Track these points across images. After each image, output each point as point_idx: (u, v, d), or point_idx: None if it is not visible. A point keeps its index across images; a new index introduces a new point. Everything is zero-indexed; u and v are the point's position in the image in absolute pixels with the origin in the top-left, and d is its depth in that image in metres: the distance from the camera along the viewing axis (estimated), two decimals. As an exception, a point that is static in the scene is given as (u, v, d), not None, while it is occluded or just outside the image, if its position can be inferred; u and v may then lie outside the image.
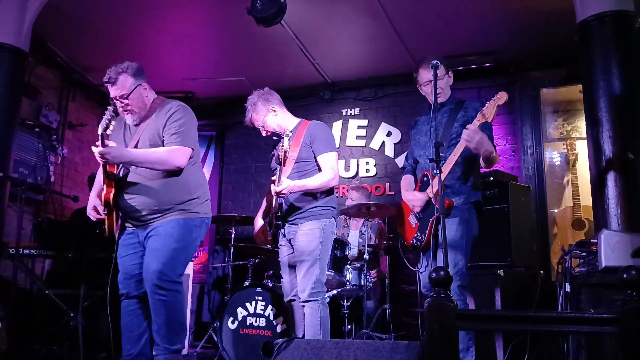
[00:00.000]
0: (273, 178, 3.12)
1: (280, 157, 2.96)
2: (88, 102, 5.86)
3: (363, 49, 5.03)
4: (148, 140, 2.83)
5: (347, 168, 5.65)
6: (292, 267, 3.15)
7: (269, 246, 3.32)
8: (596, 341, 2.49)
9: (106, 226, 2.81)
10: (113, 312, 2.80)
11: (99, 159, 2.65)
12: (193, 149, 2.86)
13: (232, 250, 4.78)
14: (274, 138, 3.32)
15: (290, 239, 3.11)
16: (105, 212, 2.79)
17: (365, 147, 5.66)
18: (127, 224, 2.92)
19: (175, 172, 2.83)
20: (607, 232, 2.47)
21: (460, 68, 5.04)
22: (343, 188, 5.53)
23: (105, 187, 2.76)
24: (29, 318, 4.08)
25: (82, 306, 3.66)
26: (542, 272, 3.88)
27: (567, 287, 2.64)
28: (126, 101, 2.83)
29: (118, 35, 4.75)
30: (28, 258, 4.22)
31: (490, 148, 2.77)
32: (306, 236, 3.03)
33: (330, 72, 5.51)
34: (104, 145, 2.64)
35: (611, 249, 2.41)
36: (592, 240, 2.64)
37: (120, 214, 2.88)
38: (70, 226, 3.91)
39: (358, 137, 5.69)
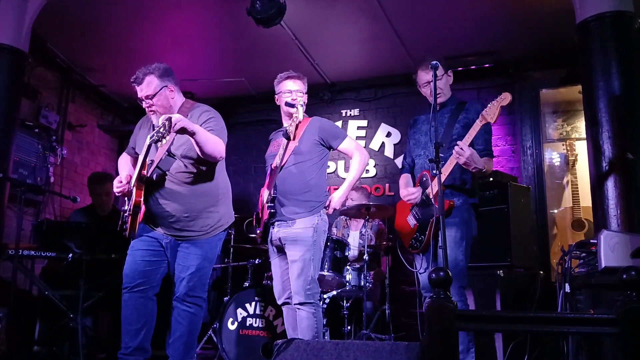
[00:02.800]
0: (274, 165, 3.02)
1: (288, 130, 2.85)
2: (87, 102, 5.86)
3: (362, 50, 5.03)
4: (182, 144, 2.83)
5: (346, 169, 5.65)
6: (284, 268, 3.08)
7: (259, 240, 3.21)
8: (596, 342, 2.49)
9: (128, 227, 2.85)
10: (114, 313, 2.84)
11: (176, 125, 2.52)
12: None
13: (231, 251, 4.78)
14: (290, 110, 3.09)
15: (280, 238, 3.01)
16: (131, 213, 2.80)
17: (364, 147, 5.65)
18: (150, 226, 2.95)
19: (207, 177, 2.89)
20: (606, 232, 2.46)
21: (460, 68, 5.04)
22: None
23: (135, 189, 2.79)
24: (29, 319, 4.07)
25: (81, 307, 3.65)
26: (541, 272, 3.88)
27: (567, 288, 2.64)
28: (151, 101, 2.85)
29: (118, 35, 4.75)
30: (28, 259, 4.21)
31: (479, 165, 2.75)
32: (298, 236, 2.94)
33: (330, 72, 5.51)
34: (146, 154, 2.72)
35: (611, 250, 2.40)
36: (591, 241, 2.64)
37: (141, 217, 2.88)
38: (70, 227, 3.90)
39: (358, 137, 5.68)
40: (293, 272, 2.94)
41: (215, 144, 2.74)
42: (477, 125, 2.78)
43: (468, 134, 2.80)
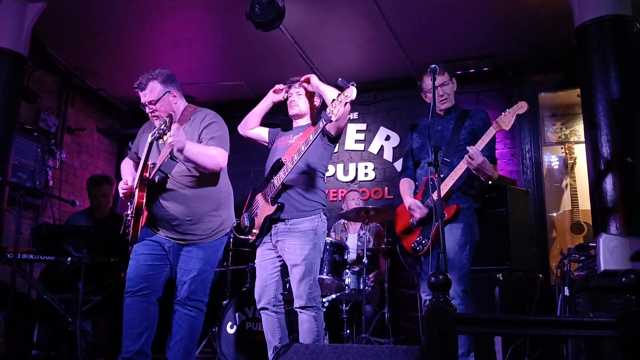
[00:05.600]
0: (288, 164, 2.87)
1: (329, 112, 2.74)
2: (87, 106, 5.86)
3: (361, 53, 5.04)
4: None
5: (346, 172, 5.65)
6: (269, 273, 2.98)
7: (249, 238, 3.06)
8: (595, 345, 2.49)
9: (131, 229, 2.85)
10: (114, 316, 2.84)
11: (171, 143, 2.52)
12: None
13: (230, 255, 4.78)
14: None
15: (277, 241, 2.94)
16: (134, 216, 2.80)
17: (364, 151, 5.67)
18: (152, 230, 2.94)
19: (210, 181, 2.89)
20: (605, 235, 2.47)
21: (459, 72, 5.04)
22: (342, 192, 5.53)
23: (137, 191, 2.79)
24: (28, 323, 4.07)
25: (80, 310, 3.65)
26: (541, 275, 3.87)
27: (566, 291, 2.64)
28: (154, 107, 2.86)
29: (117, 39, 4.76)
30: (26, 263, 4.19)
31: (489, 172, 2.77)
32: (298, 240, 2.87)
33: (329, 76, 5.50)
34: (148, 154, 2.72)
35: (610, 253, 2.41)
36: (590, 244, 2.65)
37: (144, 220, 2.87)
38: (68, 230, 3.90)
39: (357, 141, 5.69)
40: (294, 276, 2.88)
41: (213, 157, 2.75)
42: (490, 132, 2.81)
43: (481, 140, 2.80)
